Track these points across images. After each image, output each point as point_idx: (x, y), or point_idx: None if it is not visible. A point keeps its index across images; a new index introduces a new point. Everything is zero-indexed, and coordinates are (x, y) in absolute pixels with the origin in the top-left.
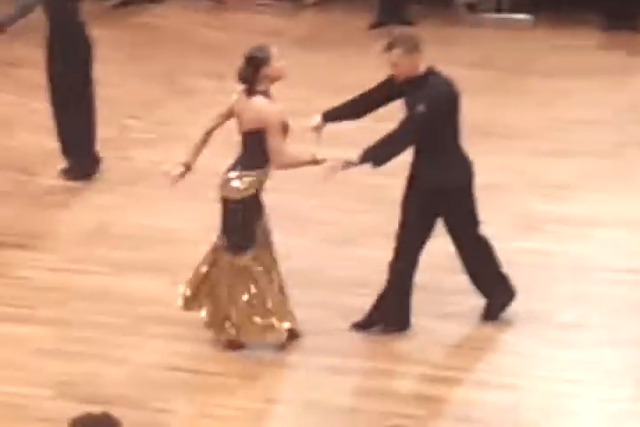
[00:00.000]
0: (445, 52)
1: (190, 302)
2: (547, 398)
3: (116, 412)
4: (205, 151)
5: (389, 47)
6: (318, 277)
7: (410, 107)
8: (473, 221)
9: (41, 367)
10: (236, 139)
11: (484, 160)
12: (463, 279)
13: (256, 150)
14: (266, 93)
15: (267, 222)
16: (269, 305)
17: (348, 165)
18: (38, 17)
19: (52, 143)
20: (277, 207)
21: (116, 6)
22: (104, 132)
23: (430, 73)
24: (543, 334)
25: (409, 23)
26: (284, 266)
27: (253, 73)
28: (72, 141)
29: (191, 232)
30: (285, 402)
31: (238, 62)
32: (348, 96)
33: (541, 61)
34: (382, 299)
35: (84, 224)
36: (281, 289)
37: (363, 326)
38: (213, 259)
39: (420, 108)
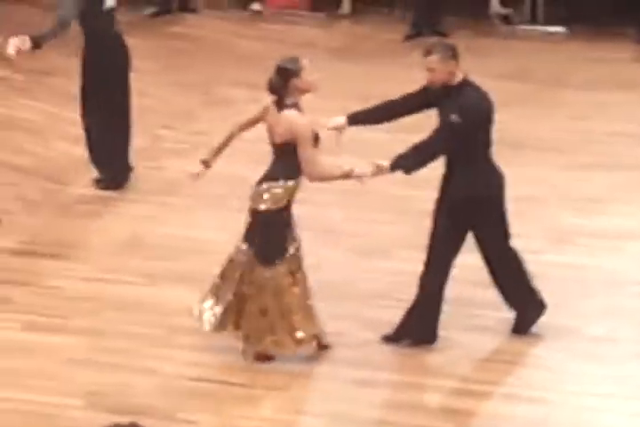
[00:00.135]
0: (479, 64)
1: (221, 323)
2: (577, 412)
3: (144, 422)
4: (236, 162)
5: (428, 53)
6: (348, 289)
7: (444, 116)
8: (504, 233)
9: (72, 377)
10: (267, 149)
11: (517, 173)
12: (493, 293)
13: (287, 162)
14: (296, 106)
15: (297, 234)
16: (297, 318)
17: (380, 171)
18: (72, 26)
19: (84, 152)
20: (307, 219)
21: (151, 16)
22: (137, 141)
23: (466, 83)
24: (574, 348)
25: (443, 34)
26: (314, 278)
27: (283, 84)
28: (104, 152)
29: (223, 243)
30: (313, 414)
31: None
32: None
33: (575, 74)
34: (412, 311)
35: (117, 234)
36: (308, 301)
37: (392, 338)
38: (239, 275)
39: (454, 117)
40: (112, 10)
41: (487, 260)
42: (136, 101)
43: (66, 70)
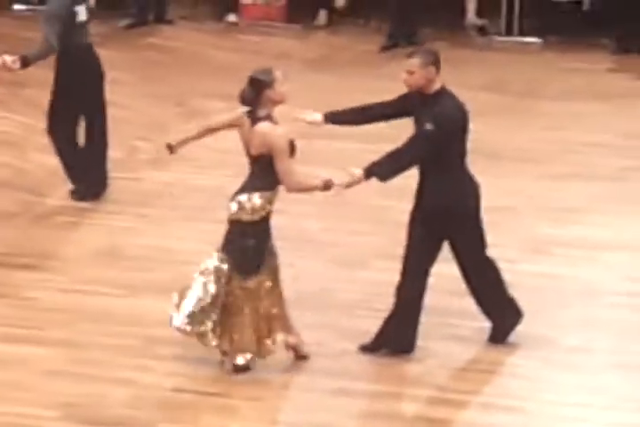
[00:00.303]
0: (455, 75)
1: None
2: (553, 422)
3: None
4: (213, 173)
5: (410, 55)
6: (326, 300)
7: (419, 124)
8: (480, 242)
9: (48, 389)
10: (244, 161)
11: (493, 183)
12: (470, 302)
13: (264, 173)
14: (270, 117)
15: (273, 245)
16: (272, 326)
17: (355, 179)
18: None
19: (59, 164)
20: (285, 229)
21: (127, 28)
22: (113, 153)
23: (442, 92)
24: (550, 358)
25: (419, 46)
26: (292, 288)
27: (256, 95)
28: (76, 163)
29: (200, 254)
30: (291, 424)
31: None
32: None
33: (551, 84)
34: (389, 322)
35: (94, 245)
36: (284, 311)
37: (370, 348)
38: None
39: (429, 126)
40: (85, 23)
41: (463, 269)
42: (112, 113)
43: (41, 82)
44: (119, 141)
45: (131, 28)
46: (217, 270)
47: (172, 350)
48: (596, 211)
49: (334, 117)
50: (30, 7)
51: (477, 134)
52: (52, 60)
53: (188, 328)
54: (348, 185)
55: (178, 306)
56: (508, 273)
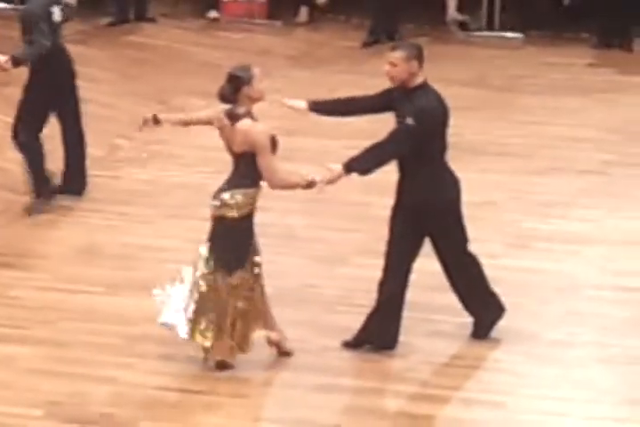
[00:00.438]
0: (437, 70)
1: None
2: (536, 416)
3: None
4: (195, 171)
5: (393, 48)
6: (308, 296)
7: (400, 118)
8: (461, 238)
9: (31, 387)
10: (226, 158)
11: (475, 178)
12: (452, 297)
13: (247, 170)
14: (249, 114)
15: (256, 241)
16: (253, 323)
17: (334, 175)
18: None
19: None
20: (267, 226)
21: (108, 25)
22: (94, 151)
23: (424, 87)
24: (532, 352)
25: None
26: (275, 284)
27: (234, 92)
28: (41, 174)
29: (182, 251)
30: (274, 421)
31: None
32: None
33: (532, 79)
34: (372, 318)
35: (75, 244)
36: (265, 307)
37: (353, 344)
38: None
39: (409, 120)
40: (59, 24)
41: (445, 265)
42: (93, 111)
43: (22, 81)
44: (100, 139)
45: (112, 26)
46: (202, 267)
47: (155, 348)
48: (578, 205)
49: (318, 107)
50: (12, 6)
51: (458, 129)
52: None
53: (186, 329)
54: (330, 181)
55: (164, 302)
56: (490, 268)
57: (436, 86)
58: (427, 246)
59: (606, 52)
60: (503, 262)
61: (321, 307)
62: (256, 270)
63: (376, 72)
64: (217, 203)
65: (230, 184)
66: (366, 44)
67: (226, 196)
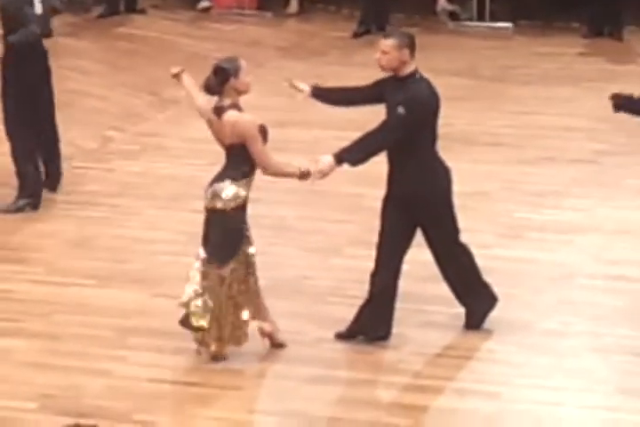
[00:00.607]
0: (427, 60)
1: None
2: (529, 405)
3: (101, 424)
4: (187, 163)
5: (385, 36)
6: (301, 287)
7: (391, 108)
8: (452, 228)
9: (25, 380)
10: (217, 150)
11: (467, 168)
12: (444, 288)
13: (239, 162)
14: (235, 106)
15: (249, 233)
16: (247, 313)
17: (326, 166)
18: None
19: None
20: (260, 217)
21: (98, 17)
22: (86, 143)
23: (415, 76)
24: (526, 342)
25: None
26: (269, 276)
27: (220, 84)
28: (26, 160)
29: (174, 243)
30: (268, 413)
31: None
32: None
33: (523, 69)
34: (365, 309)
35: (67, 236)
36: (258, 299)
37: (346, 336)
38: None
39: (400, 109)
40: (39, 16)
41: (436, 256)
42: (84, 103)
43: None
44: (92, 132)
45: (102, 17)
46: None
47: (148, 340)
48: (570, 194)
49: (318, 93)
50: None
51: (449, 119)
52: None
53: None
54: (322, 172)
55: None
56: (483, 258)
57: (427, 76)
58: (419, 237)
59: (597, 41)
60: (496, 252)
61: (314, 298)
62: (250, 261)
63: (367, 62)
64: (209, 195)
65: (222, 176)
66: (357, 35)
67: (217, 188)
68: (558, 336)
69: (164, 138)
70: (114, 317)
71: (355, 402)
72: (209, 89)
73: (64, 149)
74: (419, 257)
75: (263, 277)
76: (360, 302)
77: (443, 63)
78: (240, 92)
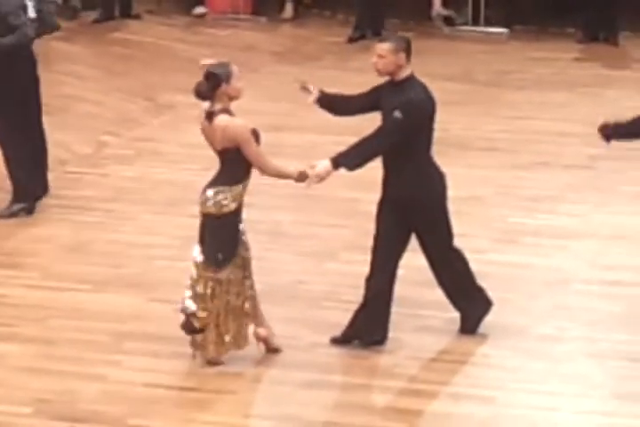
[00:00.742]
0: (422, 65)
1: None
2: (524, 410)
3: None
4: (182, 168)
5: (381, 40)
6: (296, 292)
7: (387, 112)
8: (446, 234)
9: (19, 385)
10: (213, 155)
11: (461, 173)
12: (440, 293)
13: (232, 167)
14: (226, 111)
15: (245, 239)
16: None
17: (323, 170)
18: None
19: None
20: (255, 222)
21: (93, 22)
22: (81, 148)
23: (411, 80)
24: (521, 347)
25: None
26: (264, 281)
27: (211, 90)
28: (18, 164)
29: (169, 248)
30: (264, 417)
31: None
32: None
33: (517, 74)
34: (360, 313)
35: (63, 241)
36: (255, 303)
37: (341, 340)
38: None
39: (397, 113)
40: (32, 20)
41: (431, 261)
42: (79, 108)
43: None
44: (87, 137)
45: (97, 22)
46: (196, 265)
47: (144, 345)
48: (565, 200)
49: (323, 101)
50: None
51: (444, 124)
52: None
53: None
54: (319, 176)
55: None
56: (477, 263)
57: (422, 81)
58: (414, 241)
59: (592, 46)
60: (490, 257)
61: (309, 303)
62: (246, 265)
63: (362, 68)
64: (203, 200)
65: (216, 182)
66: (352, 40)
67: (210, 193)
68: (553, 341)
69: (160, 143)
70: (109, 321)
71: (350, 407)
72: (199, 94)
73: (59, 153)
74: (414, 262)
75: (258, 281)
76: (355, 306)
77: (438, 68)
78: (231, 98)
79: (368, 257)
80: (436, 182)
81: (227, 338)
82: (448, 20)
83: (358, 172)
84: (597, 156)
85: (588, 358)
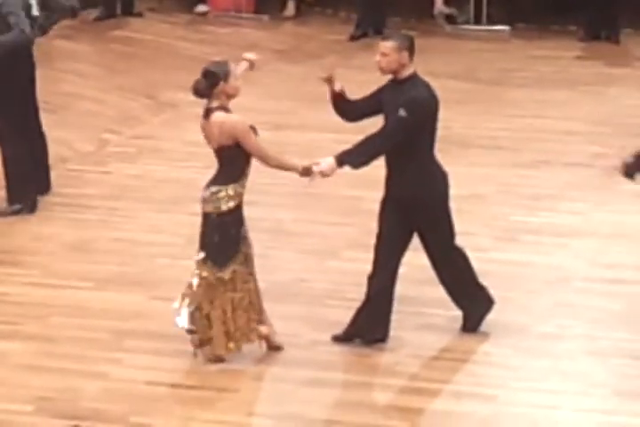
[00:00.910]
0: (424, 64)
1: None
2: (526, 408)
3: None
4: (184, 166)
5: (385, 38)
6: (298, 290)
7: (391, 111)
8: (448, 232)
9: (21, 383)
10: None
11: (463, 171)
12: (441, 291)
13: (230, 165)
14: (223, 108)
15: (247, 236)
16: (242, 319)
17: (328, 167)
18: None
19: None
20: (257, 220)
21: (95, 20)
22: (83, 146)
23: (414, 78)
24: (522, 345)
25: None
26: (266, 279)
27: (209, 88)
28: (16, 165)
29: (171, 246)
30: (265, 415)
31: None
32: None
33: (520, 72)
34: (362, 311)
35: (64, 239)
36: (258, 300)
37: (343, 338)
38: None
39: (402, 112)
40: (35, 18)
41: (433, 259)
42: (81, 106)
43: None
44: (88, 134)
45: (99, 20)
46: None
47: (145, 342)
48: (566, 198)
49: (337, 100)
50: None
51: (446, 123)
52: None
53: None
54: (323, 172)
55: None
56: (479, 261)
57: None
58: (416, 240)
59: (594, 44)
60: (491, 256)
61: (311, 301)
62: (250, 262)
63: (364, 66)
64: (203, 198)
65: (214, 181)
66: (353, 38)
67: (209, 192)
68: (555, 339)
69: (161, 141)
70: (111, 319)
71: (351, 405)
72: (197, 92)
73: (61, 151)
74: (416, 260)
75: (260, 279)
76: (357, 304)
77: (440, 66)
78: (229, 96)
79: (370, 255)
80: (439, 181)
81: (237, 334)
82: (450, 19)
83: (361, 170)
84: (598, 154)
85: (588, 356)
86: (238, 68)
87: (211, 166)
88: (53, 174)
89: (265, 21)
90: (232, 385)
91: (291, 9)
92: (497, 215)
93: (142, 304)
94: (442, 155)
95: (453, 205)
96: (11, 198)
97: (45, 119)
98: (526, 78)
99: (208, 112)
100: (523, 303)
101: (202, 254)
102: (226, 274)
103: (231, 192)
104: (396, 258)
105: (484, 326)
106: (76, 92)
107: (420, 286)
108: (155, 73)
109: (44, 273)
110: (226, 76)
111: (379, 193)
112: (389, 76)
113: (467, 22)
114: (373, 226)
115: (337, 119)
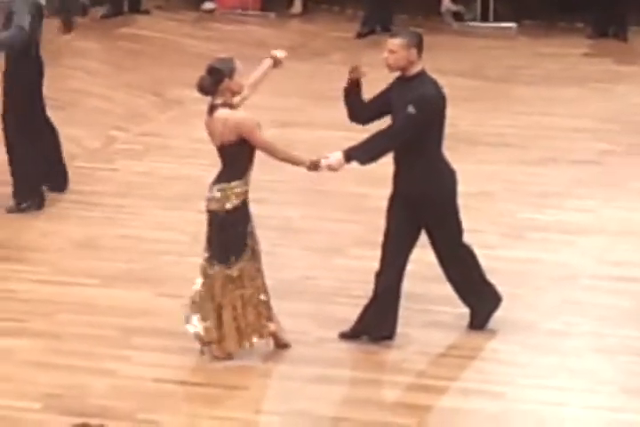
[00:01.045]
0: (431, 61)
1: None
2: (533, 405)
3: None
4: (191, 163)
5: (393, 35)
6: (305, 287)
7: (400, 108)
8: (456, 230)
9: (29, 380)
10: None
11: (471, 168)
12: (448, 288)
13: (234, 162)
14: (227, 105)
15: (254, 232)
16: (252, 315)
17: (336, 162)
18: None
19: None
20: (264, 217)
21: (102, 18)
22: (90, 143)
23: (423, 76)
24: (530, 342)
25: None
26: (273, 276)
27: (214, 84)
28: (25, 164)
29: (178, 243)
30: (273, 412)
31: None
32: (341, 105)
33: (527, 70)
34: (369, 309)
35: (72, 236)
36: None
37: (350, 336)
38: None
39: (410, 108)
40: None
41: (440, 256)
42: (88, 103)
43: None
44: (96, 131)
45: (106, 18)
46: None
47: (152, 340)
48: (573, 195)
49: (350, 97)
50: None
51: (453, 120)
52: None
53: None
54: (331, 166)
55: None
56: (486, 258)
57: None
58: (424, 237)
59: (601, 41)
60: (499, 253)
61: (318, 298)
62: (257, 258)
63: (372, 63)
64: (209, 196)
65: (218, 179)
66: (360, 35)
67: (214, 190)
68: (562, 336)
69: (168, 138)
70: (118, 316)
71: (359, 402)
72: (202, 88)
73: (69, 148)
74: (424, 257)
75: (268, 277)
76: (364, 302)
77: (447, 64)
78: (234, 93)
79: (377, 252)
80: (447, 179)
81: (248, 330)
82: (457, 16)
83: (368, 167)
84: (606, 151)
85: (596, 354)
86: (260, 66)
87: (218, 164)
88: None
89: (272, 19)
90: (239, 382)
91: (297, 6)
92: (504, 212)
93: (149, 301)
94: (449, 152)
95: (461, 202)
96: (18, 196)
97: (54, 116)
98: (534, 76)
99: (212, 109)
100: (530, 301)
101: (209, 253)
102: (234, 271)
103: (235, 190)
104: (404, 255)
105: (491, 324)
106: (84, 89)
107: (427, 284)
108: (162, 70)
109: (52, 270)
110: (231, 72)
111: (386, 190)
112: (397, 74)
113: (474, 19)
114: (380, 223)
115: (344, 116)
